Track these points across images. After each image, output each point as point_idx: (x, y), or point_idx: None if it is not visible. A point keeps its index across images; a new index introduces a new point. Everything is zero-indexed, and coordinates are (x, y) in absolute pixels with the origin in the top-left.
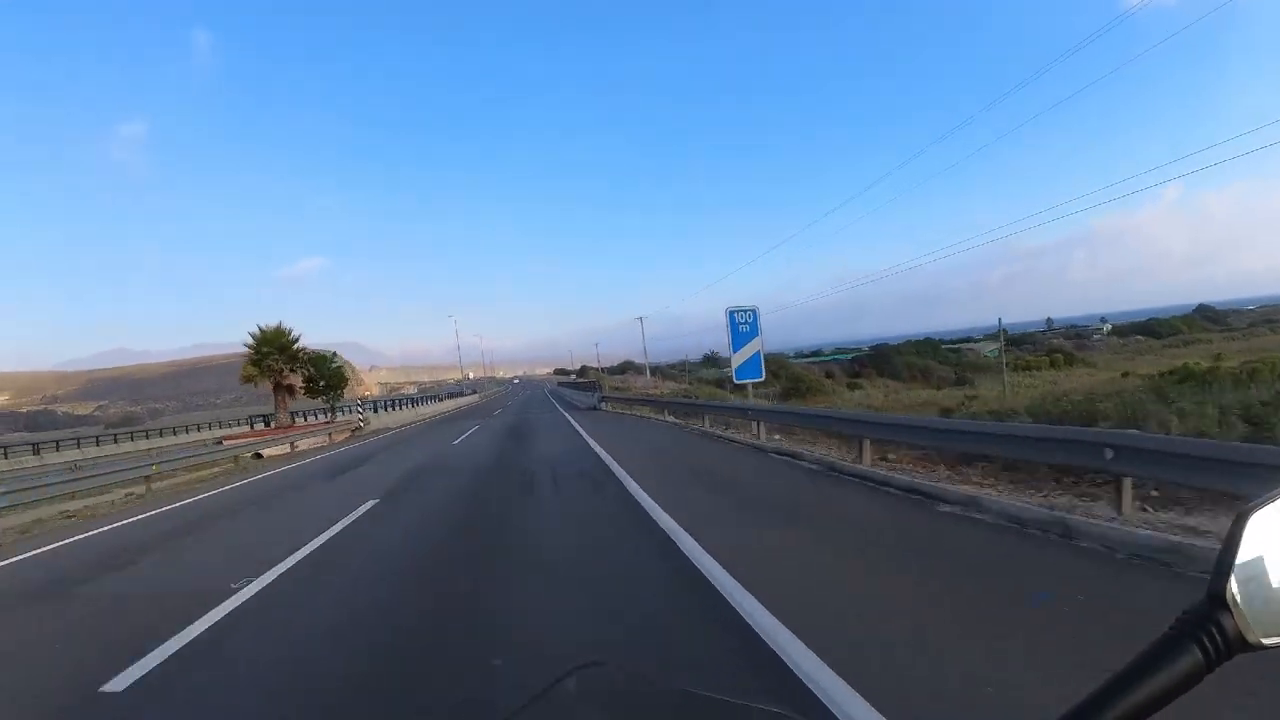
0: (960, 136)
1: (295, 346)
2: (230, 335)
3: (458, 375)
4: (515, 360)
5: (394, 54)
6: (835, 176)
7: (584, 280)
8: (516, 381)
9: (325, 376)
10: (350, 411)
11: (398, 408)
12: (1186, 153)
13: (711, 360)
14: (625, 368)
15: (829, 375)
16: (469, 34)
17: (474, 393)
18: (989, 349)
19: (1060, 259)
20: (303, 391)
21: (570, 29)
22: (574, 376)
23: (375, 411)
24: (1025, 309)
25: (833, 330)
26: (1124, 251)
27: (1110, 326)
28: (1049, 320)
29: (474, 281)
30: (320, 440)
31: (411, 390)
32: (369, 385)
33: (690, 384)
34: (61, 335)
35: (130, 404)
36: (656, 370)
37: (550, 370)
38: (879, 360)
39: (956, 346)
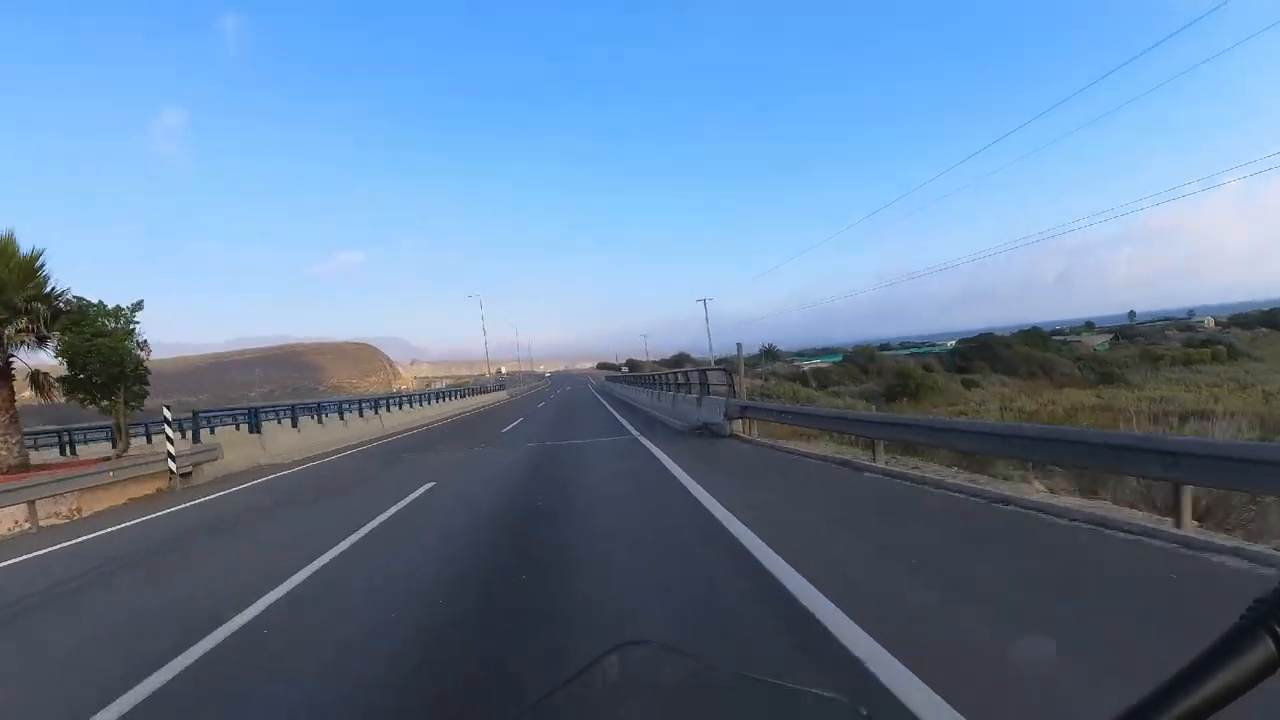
0: (1010, 137)
1: (39, 290)
2: (269, 329)
3: (506, 369)
4: (556, 356)
5: (432, 37)
6: (878, 172)
7: (630, 276)
8: (548, 376)
9: (98, 358)
10: (182, 433)
11: (400, 407)
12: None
13: (770, 353)
14: (681, 360)
15: (928, 369)
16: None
17: (500, 388)
18: (1098, 342)
19: (1106, 256)
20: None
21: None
22: (623, 370)
23: (342, 417)
24: (1075, 306)
25: (873, 327)
26: (1173, 248)
27: (1212, 320)
28: (1131, 314)
29: (517, 278)
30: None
31: (441, 385)
32: (406, 379)
33: (765, 380)
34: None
35: (162, 398)
36: (722, 363)
37: (593, 365)
38: (984, 353)
39: (1065, 339)
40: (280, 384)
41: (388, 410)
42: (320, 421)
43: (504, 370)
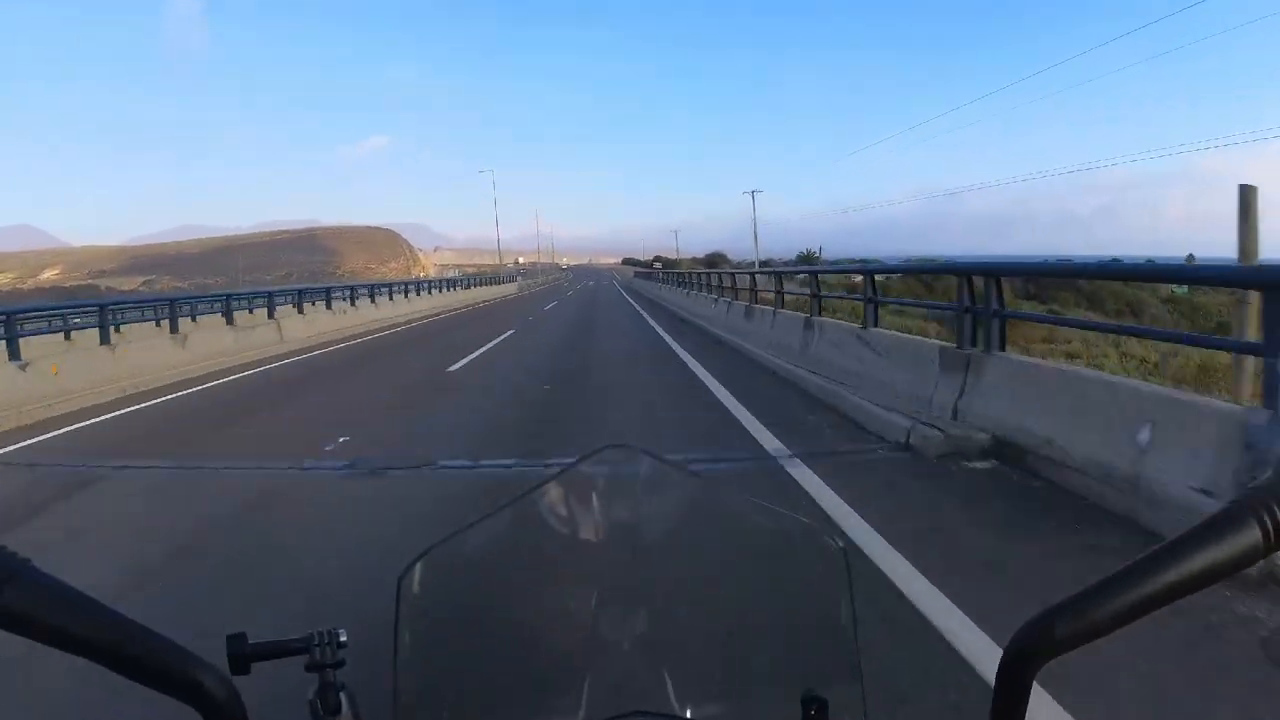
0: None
1: None
2: (297, 213)
3: (524, 259)
4: (580, 250)
5: None
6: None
7: (661, 169)
8: (568, 269)
9: None
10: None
11: (368, 301)
12: None
13: (807, 258)
14: (717, 260)
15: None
16: None
17: (513, 280)
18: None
19: (1154, 195)
20: None
21: None
22: (657, 266)
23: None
24: (1118, 243)
25: (911, 243)
26: (1224, 193)
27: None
28: (1190, 256)
29: (546, 167)
30: None
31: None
32: (426, 266)
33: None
34: (131, 212)
35: (176, 279)
36: (767, 263)
37: (617, 260)
38: (1064, 282)
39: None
40: (300, 268)
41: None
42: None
43: (520, 261)
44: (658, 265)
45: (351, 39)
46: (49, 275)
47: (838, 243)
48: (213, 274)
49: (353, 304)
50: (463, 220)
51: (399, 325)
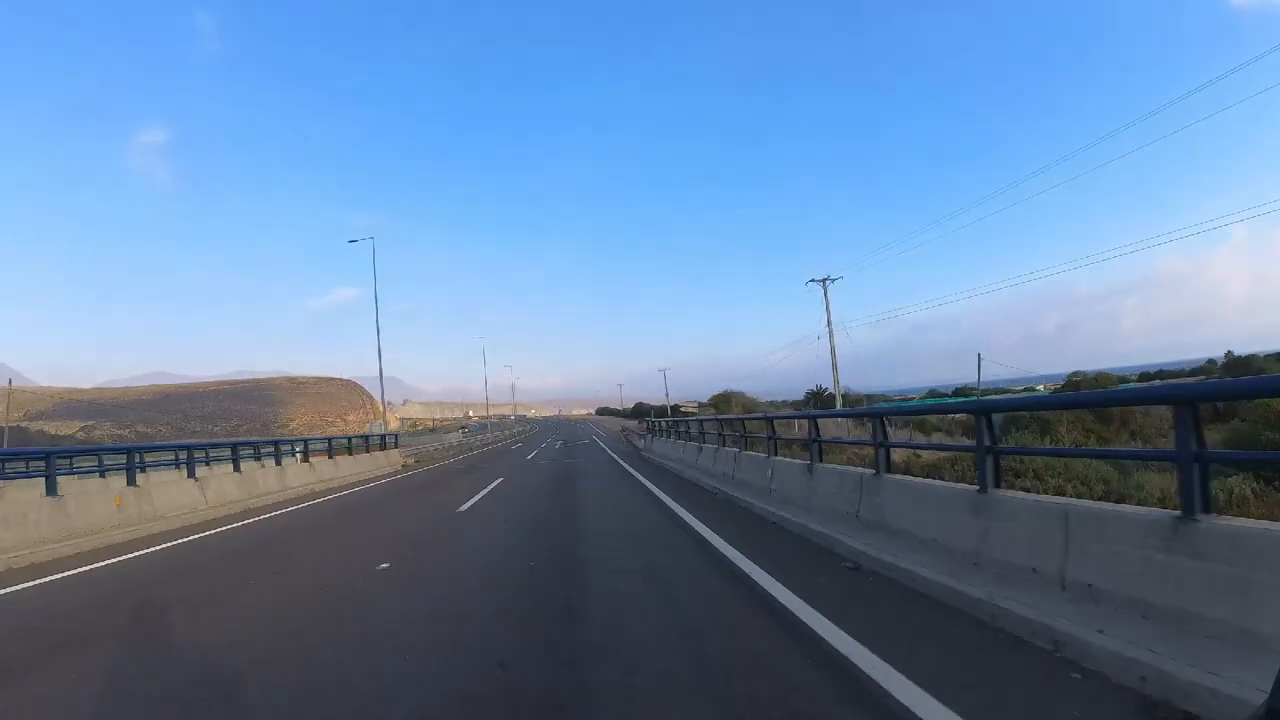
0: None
1: None
2: (272, 364)
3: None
4: (550, 401)
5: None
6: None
7: (637, 322)
8: (512, 418)
9: None
10: None
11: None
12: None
13: (815, 395)
14: (719, 401)
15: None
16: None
17: (462, 430)
18: None
19: (1112, 306)
20: None
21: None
22: (652, 419)
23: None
24: (1084, 358)
25: (888, 376)
26: (1183, 299)
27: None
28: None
29: (517, 324)
30: None
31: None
32: (391, 419)
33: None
34: (105, 356)
35: (118, 427)
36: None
37: (589, 411)
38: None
39: None
40: (253, 418)
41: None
42: None
43: (471, 415)
44: (655, 415)
45: (321, 189)
46: None
47: (808, 380)
48: (159, 423)
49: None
50: (435, 374)
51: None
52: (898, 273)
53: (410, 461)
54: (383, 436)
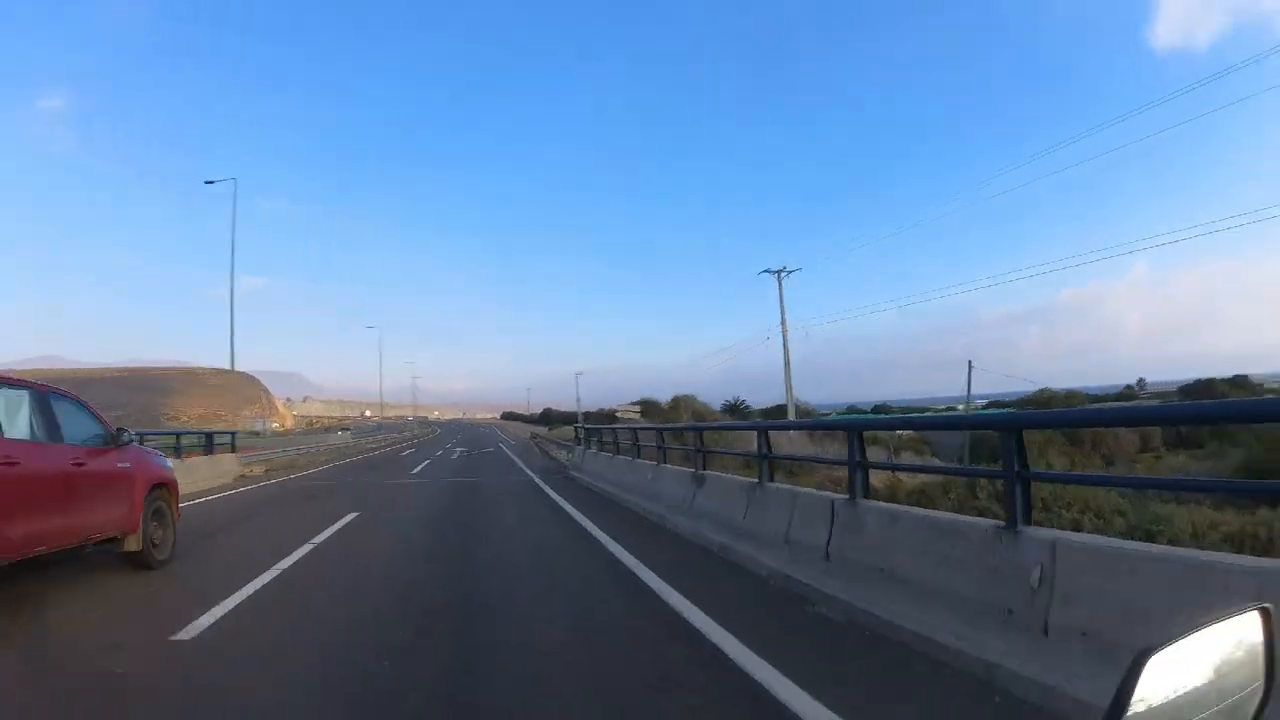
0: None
1: None
2: (171, 353)
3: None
4: (454, 404)
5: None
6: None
7: (545, 327)
8: (411, 419)
9: None
10: None
11: None
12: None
13: (733, 408)
14: (650, 407)
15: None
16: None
17: (346, 431)
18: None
19: (1017, 330)
20: None
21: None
22: (590, 425)
23: None
24: (991, 380)
25: (810, 390)
26: (1083, 326)
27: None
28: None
29: (423, 324)
30: None
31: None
32: (285, 416)
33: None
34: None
35: None
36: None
37: (494, 415)
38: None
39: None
40: (140, 409)
41: None
42: None
43: (368, 414)
44: (580, 419)
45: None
46: None
47: (712, 393)
48: None
49: None
50: (338, 370)
51: None
52: (811, 290)
53: (254, 471)
54: (209, 434)
